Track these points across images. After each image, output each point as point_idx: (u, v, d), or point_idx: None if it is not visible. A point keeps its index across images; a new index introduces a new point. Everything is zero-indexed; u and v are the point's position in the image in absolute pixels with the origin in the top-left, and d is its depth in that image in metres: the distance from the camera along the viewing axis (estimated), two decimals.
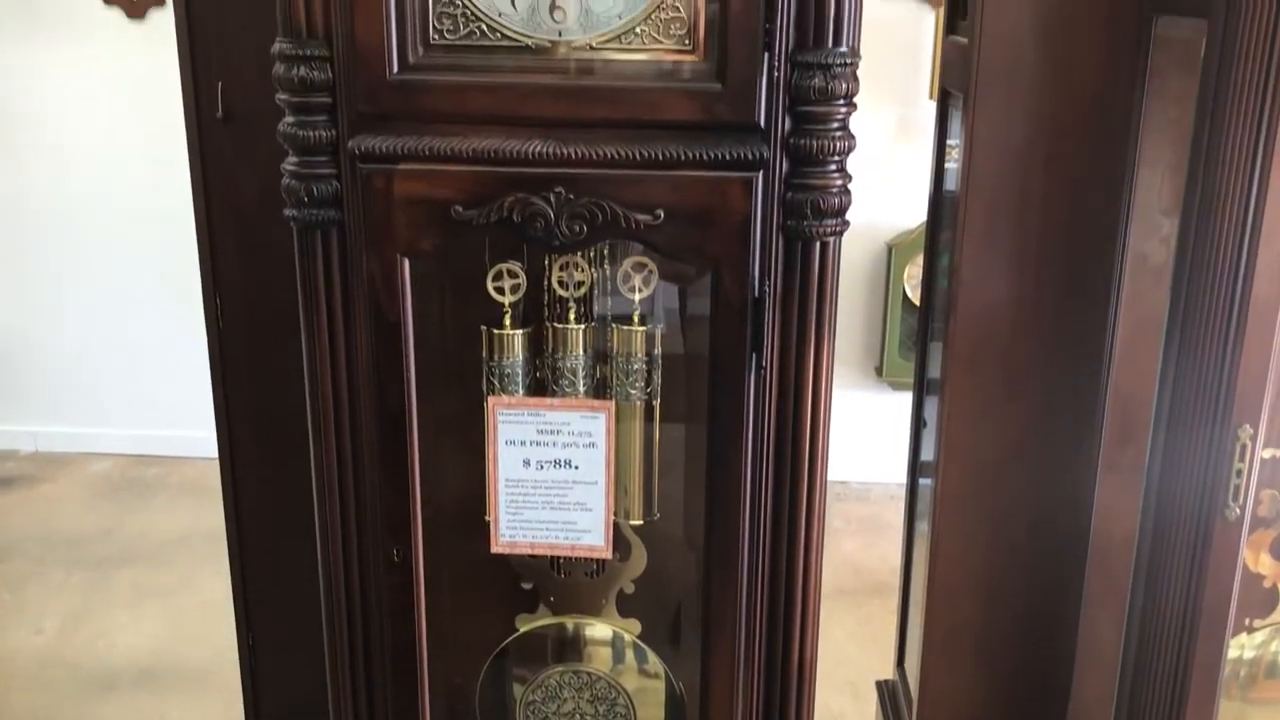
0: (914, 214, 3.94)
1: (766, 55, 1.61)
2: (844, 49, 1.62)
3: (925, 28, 3.95)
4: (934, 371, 2.64)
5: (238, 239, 2.27)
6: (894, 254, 4.17)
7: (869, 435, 4.09)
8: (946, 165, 2.66)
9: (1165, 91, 1.95)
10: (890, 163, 3.92)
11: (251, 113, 2.20)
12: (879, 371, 4.25)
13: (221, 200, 2.27)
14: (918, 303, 3.88)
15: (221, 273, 2.29)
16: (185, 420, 4.43)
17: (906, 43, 3.96)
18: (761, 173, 1.65)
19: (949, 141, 2.57)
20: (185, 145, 2.24)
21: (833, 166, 1.66)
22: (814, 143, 1.64)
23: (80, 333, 4.43)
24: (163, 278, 4.22)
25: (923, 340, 2.85)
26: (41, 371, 4.52)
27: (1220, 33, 1.64)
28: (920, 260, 3.66)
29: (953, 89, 2.38)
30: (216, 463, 2.40)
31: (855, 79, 1.64)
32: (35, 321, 4.43)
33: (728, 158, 1.63)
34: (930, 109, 3.67)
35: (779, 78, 1.62)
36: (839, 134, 1.65)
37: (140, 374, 4.46)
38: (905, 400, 2.91)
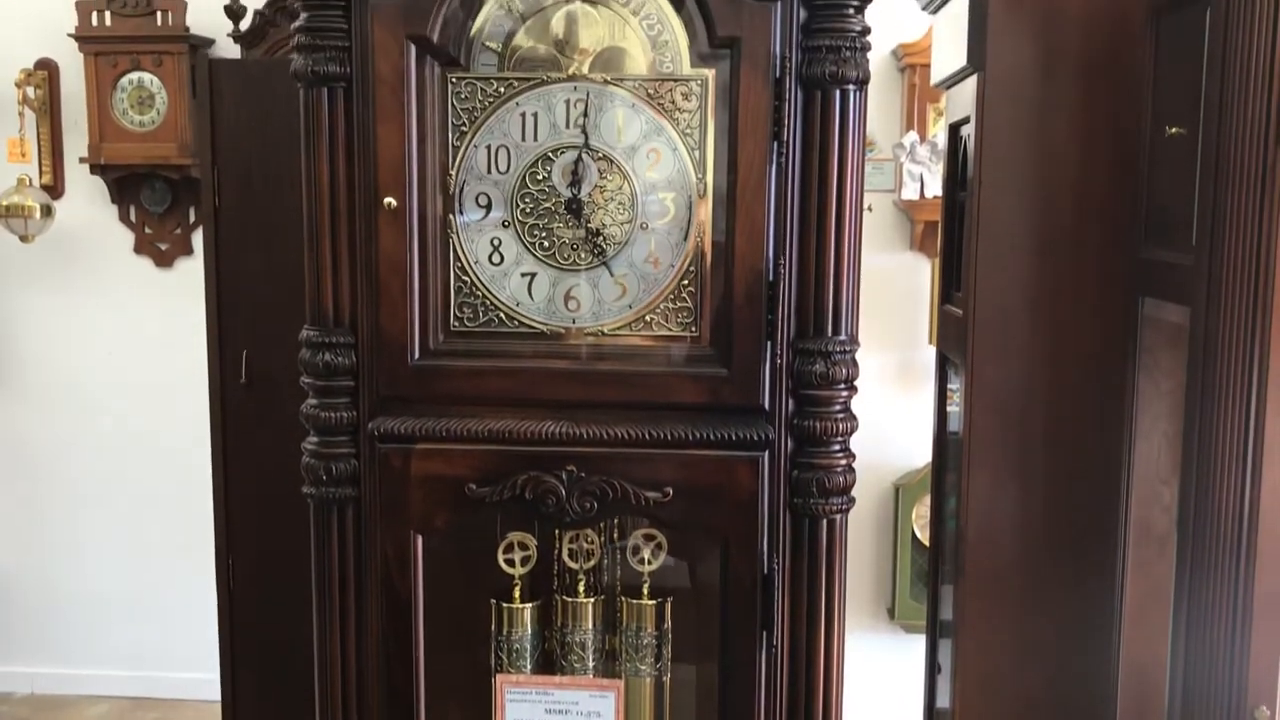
0: (920, 453, 3.98)
1: (770, 343, 1.68)
2: (843, 337, 1.69)
3: (923, 277, 4.11)
4: (946, 613, 2.62)
5: (254, 501, 2.31)
6: (901, 494, 4.19)
7: (882, 683, 4.01)
8: (949, 409, 2.72)
9: (1157, 366, 2.02)
10: (894, 404, 4.00)
11: (274, 379, 2.28)
12: (891, 614, 4.20)
13: (239, 461, 2.33)
14: (927, 543, 3.88)
15: (236, 534, 2.32)
16: (185, 663, 4.38)
17: (906, 291, 4.11)
18: (767, 453, 1.70)
19: (950, 386, 2.64)
20: (207, 401, 2.31)
21: (836, 446, 1.71)
22: (817, 424, 1.70)
23: (83, 574, 4.43)
24: (171, 526, 4.25)
25: (934, 583, 2.84)
26: (41, 612, 4.49)
27: (1203, 320, 1.71)
28: (928, 500, 3.68)
29: (950, 354, 2.46)
30: (215, 706, 2.36)
31: (855, 364, 1.71)
32: (37, 561, 4.44)
33: (734, 438, 1.69)
34: (930, 353, 3.77)
35: (782, 364, 1.69)
36: (841, 416, 1.71)
37: (142, 617, 4.42)
38: (918, 644, 2.87)
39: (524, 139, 1.75)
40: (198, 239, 4.19)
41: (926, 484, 3.69)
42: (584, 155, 1.74)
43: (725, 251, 1.70)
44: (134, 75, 4.04)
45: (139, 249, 4.30)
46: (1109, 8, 2.07)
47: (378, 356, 1.73)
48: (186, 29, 4.01)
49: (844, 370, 1.69)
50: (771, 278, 1.67)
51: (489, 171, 1.76)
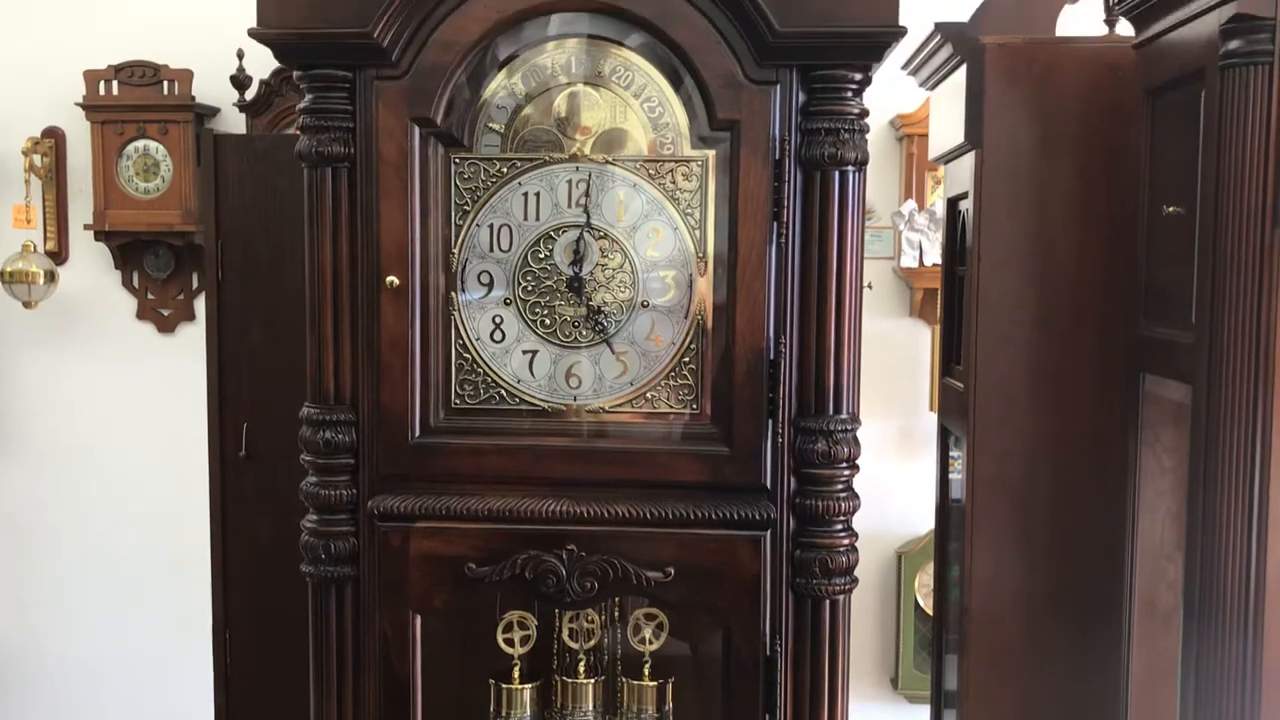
0: (922, 520, 3.96)
1: (771, 421, 1.68)
2: (844, 415, 1.69)
3: (923, 343, 4.12)
4: (951, 683, 2.59)
5: (252, 575, 2.29)
6: (904, 561, 4.16)
7: None
8: (950, 476, 2.71)
9: (1159, 441, 2.02)
10: (895, 471, 3.99)
11: (273, 454, 2.27)
12: (894, 683, 4.15)
13: (238, 535, 2.31)
14: (930, 611, 3.85)
15: (234, 608, 2.30)
16: None
17: (906, 357, 4.12)
18: (769, 532, 1.69)
19: (952, 454, 2.63)
20: (206, 471, 2.30)
21: (839, 526, 1.70)
22: (819, 503, 1.69)
23: (78, 643, 4.38)
24: (168, 597, 4.21)
25: (938, 652, 2.81)
26: (35, 681, 4.44)
27: (1205, 398, 1.71)
28: (931, 568, 3.66)
29: (951, 427, 2.46)
30: None
31: (857, 443, 1.71)
32: (31, 629, 4.40)
33: (736, 517, 1.68)
34: (931, 420, 3.77)
35: (783, 442, 1.68)
36: (843, 495, 1.70)
37: (138, 688, 4.37)
38: (922, 714, 2.83)
39: (526, 218, 1.77)
40: (200, 305, 4.20)
41: (929, 552, 3.67)
42: (585, 234, 1.75)
43: (726, 329, 1.71)
44: (139, 143, 4.08)
45: (141, 315, 4.31)
46: (1105, 87, 2.10)
47: (378, 434, 1.72)
48: (192, 98, 4.05)
49: (846, 449, 1.68)
50: (772, 356, 1.68)
51: (491, 250, 1.77)
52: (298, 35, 1.67)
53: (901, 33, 1.63)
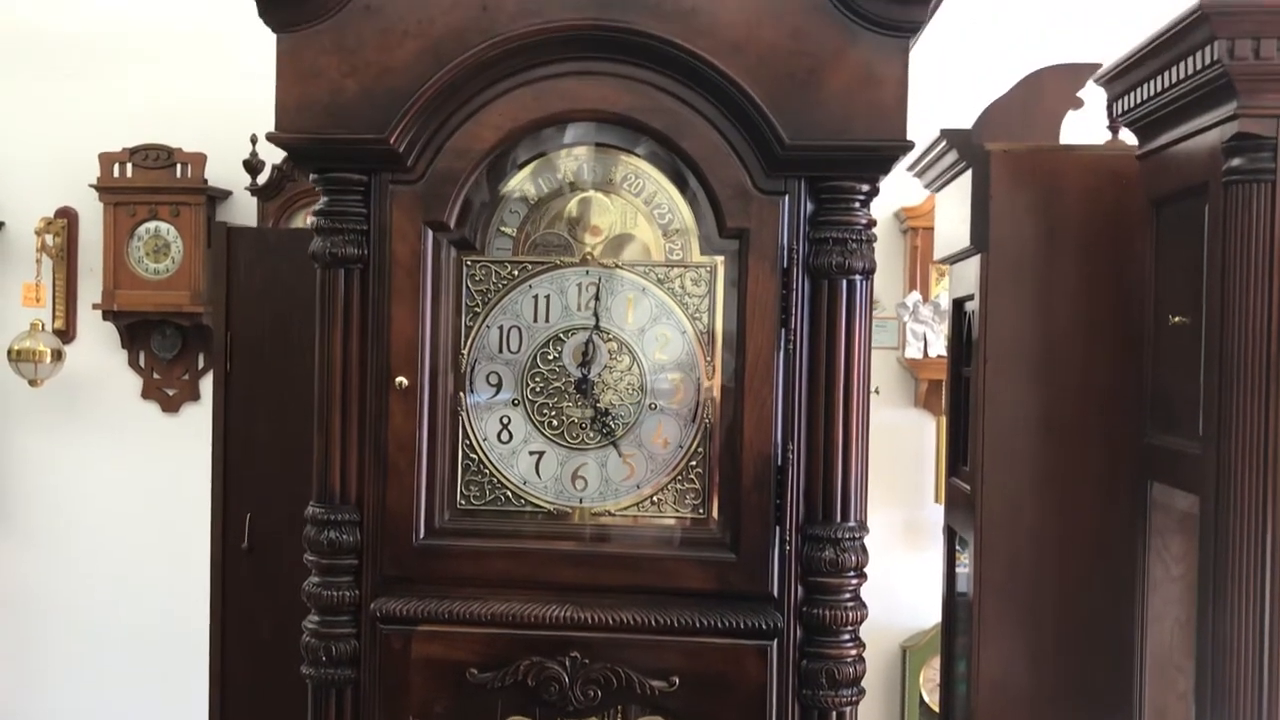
0: (928, 613, 3.92)
1: (778, 528, 1.67)
2: (852, 523, 1.68)
3: (928, 434, 4.12)
4: None
5: (249, 669, 2.26)
6: (909, 656, 4.11)
7: None
8: (957, 569, 2.69)
9: (1167, 550, 2.01)
10: (901, 563, 3.95)
11: (276, 546, 2.26)
12: None
13: (238, 628, 2.29)
14: (936, 708, 3.79)
15: (230, 701, 2.27)
16: None
17: (911, 448, 4.12)
18: (776, 641, 1.67)
19: (957, 548, 2.62)
20: (208, 558, 2.29)
21: (846, 636, 1.69)
22: (827, 613, 1.67)
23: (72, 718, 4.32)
24: (168, 685, 4.14)
25: None
26: None
27: (1213, 513, 1.71)
28: (936, 663, 3.61)
29: (958, 528, 2.44)
30: None
31: (864, 551, 1.70)
32: (31, 707, 4.33)
33: (742, 626, 1.66)
34: (936, 511, 3.75)
35: (791, 550, 1.67)
36: (851, 604, 1.68)
37: None
38: None
39: (536, 320, 1.78)
40: (205, 385, 4.21)
41: (935, 646, 3.62)
42: (594, 337, 1.76)
43: (734, 435, 1.71)
44: (151, 224, 4.13)
45: (146, 394, 4.33)
46: (1109, 193, 2.13)
47: (383, 535, 1.71)
48: (205, 181, 4.11)
49: (854, 557, 1.67)
50: (780, 462, 1.67)
51: (500, 351, 1.78)
52: (315, 140, 1.70)
53: (909, 147, 1.66)
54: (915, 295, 3.94)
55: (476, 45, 1.66)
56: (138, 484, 4.28)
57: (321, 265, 1.73)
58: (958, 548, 2.61)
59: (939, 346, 3.84)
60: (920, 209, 3.91)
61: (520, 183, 1.79)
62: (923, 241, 3.97)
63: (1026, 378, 2.11)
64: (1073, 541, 2.10)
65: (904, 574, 3.99)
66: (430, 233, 1.72)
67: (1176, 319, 1.87)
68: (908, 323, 3.94)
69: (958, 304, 2.44)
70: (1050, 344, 2.11)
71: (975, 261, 2.21)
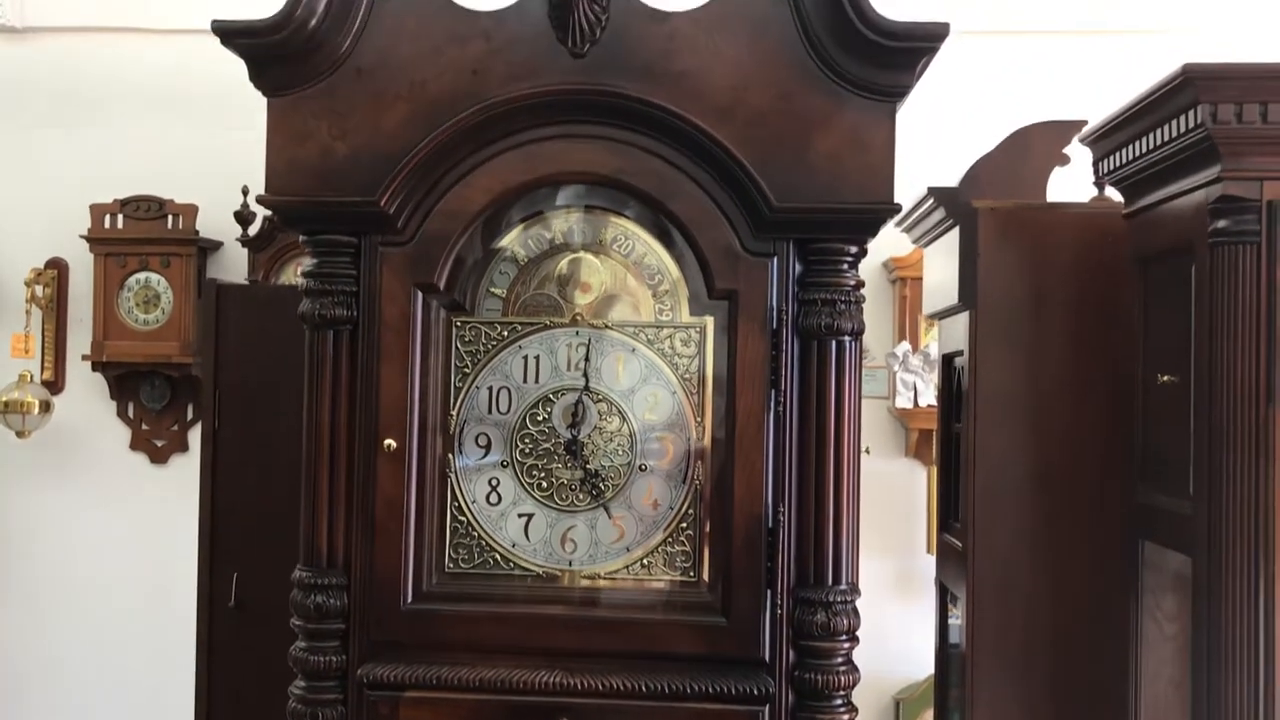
0: (921, 665, 3.89)
1: (769, 591, 1.66)
2: (844, 586, 1.67)
3: (919, 484, 4.11)
4: None
5: None
6: (902, 709, 4.07)
7: None
8: (950, 621, 2.67)
9: (1159, 608, 1.99)
10: (893, 614, 3.93)
11: (263, 605, 2.23)
12: None
13: (224, 687, 2.26)
14: None
15: None
16: None
17: (903, 498, 4.11)
18: (767, 707, 1.65)
19: (949, 602, 2.60)
20: (195, 613, 2.26)
21: (839, 701, 1.67)
22: (819, 677, 1.66)
23: None
24: None
25: None
26: None
27: (1205, 575, 1.70)
28: (930, 716, 3.57)
29: (950, 585, 2.43)
30: None
31: (856, 614, 1.69)
32: None
33: (734, 692, 1.65)
34: (928, 561, 3.73)
35: (782, 614, 1.66)
36: (843, 668, 1.67)
37: None
38: None
39: (526, 380, 1.78)
40: (194, 436, 4.19)
41: (928, 698, 3.58)
42: (584, 397, 1.76)
43: (724, 496, 1.70)
44: (141, 275, 4.12)
45: (135, 445, 4.29)
46: (1096, 253, 2.14)
47: (370, 599, 1.70)
48: (196, 232, 4.11)
49: (845, 620, 1.66)
50: (771, 524, 1.67)
51: (490, 412, 1.77)
52: (305, 203, 1.70)
53: (896, 210, 1.67)
54: (905, 345, 3.95)
55: (467, 109, 1.67)
56: (125, 537, 4.24)
57: (310, 327, 1.73)
58: (950, 603, 2.59)
59: (929, 396, 3.84)
60: (909, 259, 3.92)
61: (510, 244, 1.79)
62: (911, 291, 3.99)
63: (1017, 434, 2.11)
64: (1065, 599, 2.09)
65: (896, 625, 3.95)
66: (420, 294, 1.72)
67: (1165, 378, 1.87)
68: (898, 372, 3.94)
69: (947, 359, 2.44)
70: (1040, 401, 2.11)
71: (964, 318, 2.22)
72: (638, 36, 1.67)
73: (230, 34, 1.66)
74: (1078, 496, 2.10)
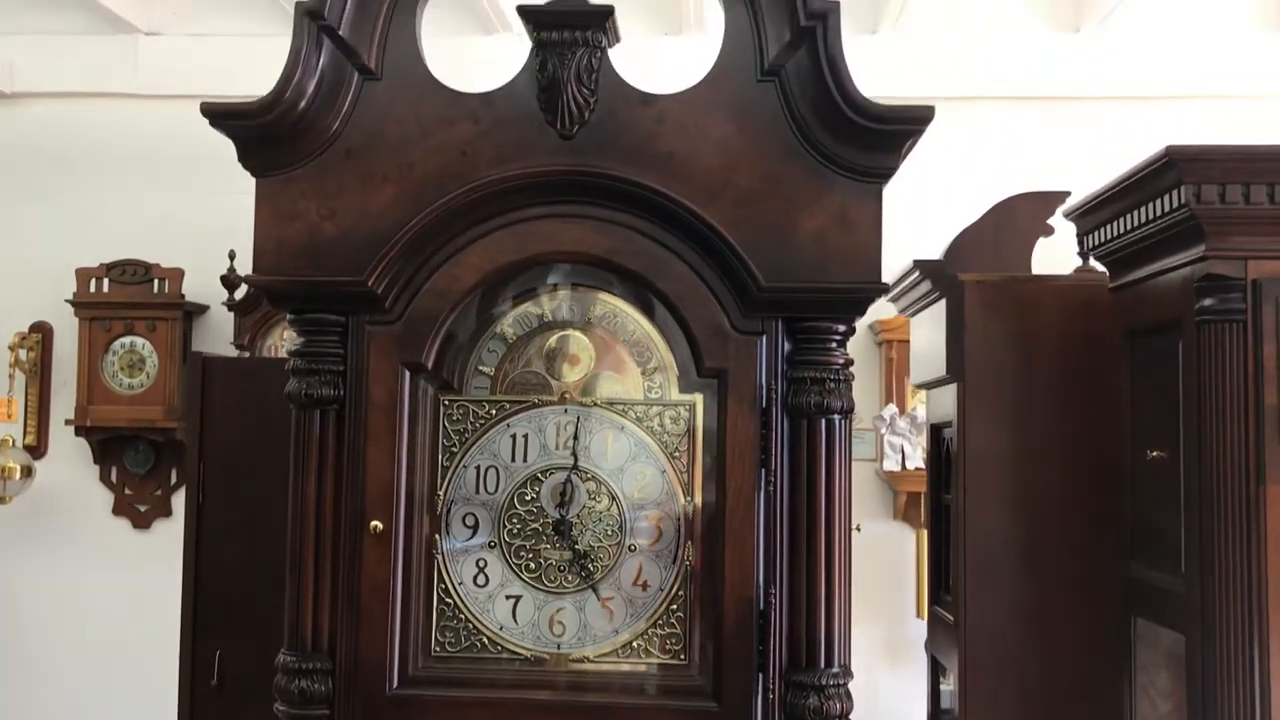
0: None
1: (761, 675, 1.64)
2: (836, 669, 1.65)
3: (908, 547, 4.09)
4: None
5: None
6: None
7: None
8: (942, 687, 2.65)
9: (1153, 685, 1.98)
10: (883, 678, 3.89)
11: (246, 684, 2.20)
12: None
13: None
14: None
15: None
16: None
17: (891, 562, 4.08)
18: None
19: (939, 674, 2.57)
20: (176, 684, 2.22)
21: None
22: None
23: None
24: None
25: None
26: None
27: (1199, 654, 1.69)
28: None
29: (941, 657, 2.41)
30: None
31: (849, 697, 1.66)
32: None
33: None
34: (918, 626, 3.70)
35: (775, 698, 1.64)
36: None
37: None
38: None
39: (514, 459, 1.76)
40: (177, 501, 4.15)
41: None
42: (573, 477, 1.75)
43: (715, 577, 1.68)
44: (127, 339, 4.10)
45: (117, 510, 4.25)
46: (1083, 324, 2.15)
47: (355, 685, 1.67)
48: (182, 296, 4.10)
49: (838, 705, 1.64)
50: (762, 607, 1.65)
51: (477, 491, 1.76)
52: (294, 283, 1.70)
53: (885, 290, 1.67)
54: (892, 408, 3.95)
55: (455, 190, 1.67)
56: (106, 607, 4.18)
57: (297, 406, 1.71)
58: (940, 674, 2.57)
59: (916, 459, 3.84)
60: (895, 322, 3.93)
61: (498, 322, 1.79)
62: (898, 354, 3.99)
63: (1007, 508, 2.10)
64: (1058, 674, 2.07)
65: (887, 690, 3.92)
66: (407, 373, 1.71)
67: (1154, 453, 1.87)
68: (885, 435, 3.93)
69: (935, 429, 2.44)
70: (1029, 474, 2.11)
71: (952, 389, 2.22)
72: (626, 119, 1.68)
73: (220, 116, 1.66)
74: (1068, 570, 2.09)
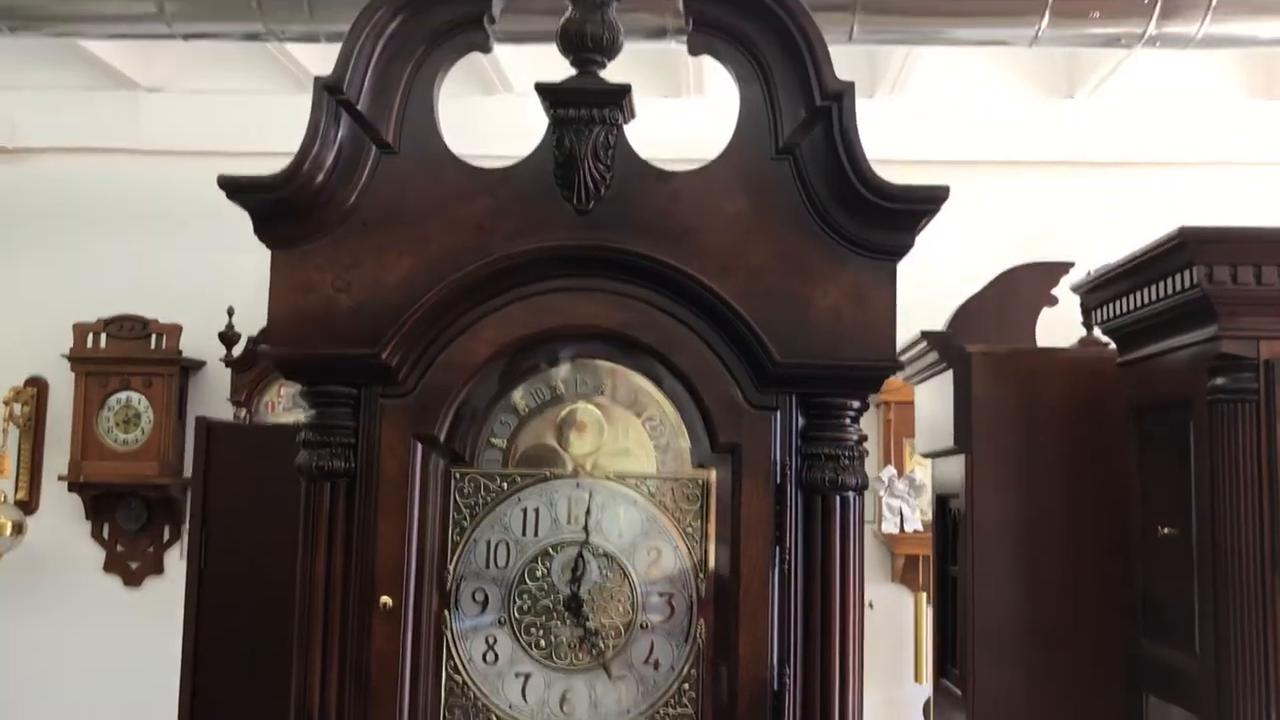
0: None
1: None
2: None
3: (906, 611, 4.06)
4: None
5: None
6: None
7: None
8: None
9: None
10: None
11: None
12: None
13: None
14: None
15: None
16: None
17: (890, 625, 4.05)
18: None
19: None
20: None
21: None
22: None
23: None
24: None
25: None
26: None
27: None
28: None
29: None
30: None
31: None
32: None
33: None
34: (916, 690, 3.67)
35: None
36: None
37: None
38: None
39: (525, 534, 1.74)
40: (170, 558, 4.12)
41: None
42: (585, 552, 1.73)
43: (728, 657, 1.66)
44: (123, 395, 4.09)
45: (109, 567, 4.21)
46: (1089, 396, 2.15)
47: None
48: (179, 352, 4.09)
49: None
50: (776, 688, 1.63)
51: (487, 566, 1.74)
52: (308, 355, 1.69)
53: (899, 367, 1.67)
54: (890, 470, 3.95)
55: (471, 264, 1.67)
56: (96, 668, 4.12)
57: (307, 479, 1.70)
58: None
59: (915, 522, 3.83)
60: (893, 384, 3.92)
61: (511, 395, 1.78)
62: (897, 415, 4.00)
63: (1015, 583, 2.09)
64: None
65: None
66: (420, 446, 1.70)
67: (1166, 530, 1.87)
68: (884, 497, 3.93)
69: (941, 499, 2.43)
70: (1037, 547, 2.10)
71: (958, 460, 2.22)
72: (641, 194, 1.69)
73: (236, 189, 1.67)
74: (1078, 646, 2.08)
